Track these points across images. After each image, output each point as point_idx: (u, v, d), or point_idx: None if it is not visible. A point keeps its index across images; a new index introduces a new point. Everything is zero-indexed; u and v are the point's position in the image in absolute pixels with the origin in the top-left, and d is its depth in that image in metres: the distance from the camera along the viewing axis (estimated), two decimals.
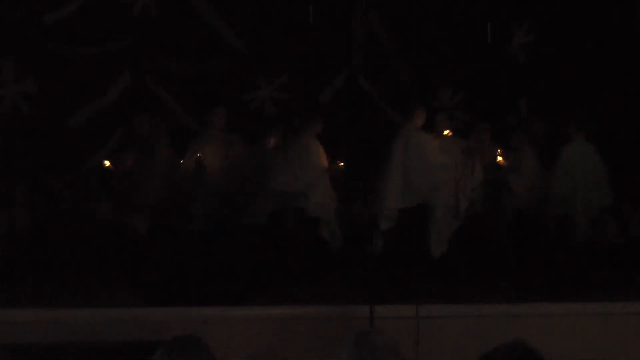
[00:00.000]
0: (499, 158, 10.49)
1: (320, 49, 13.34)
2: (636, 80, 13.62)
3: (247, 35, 13.33)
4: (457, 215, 9.84)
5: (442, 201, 9.77)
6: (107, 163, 9.69)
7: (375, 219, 10.13)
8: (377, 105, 13.77)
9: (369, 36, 13.87)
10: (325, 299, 8.90)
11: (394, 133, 10.49)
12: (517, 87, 13.38)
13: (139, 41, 13.03)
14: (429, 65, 13.64)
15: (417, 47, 13.66)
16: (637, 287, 10.75)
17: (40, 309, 8.29)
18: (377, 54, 13.84)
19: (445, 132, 10.19)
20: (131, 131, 11.94)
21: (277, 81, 13.53)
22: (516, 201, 10.46)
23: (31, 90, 12.84)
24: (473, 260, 9.96)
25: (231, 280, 9.14)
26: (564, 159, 10.57)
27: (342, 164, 10.27)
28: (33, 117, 12.89)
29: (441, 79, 13.85)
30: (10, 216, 11.89)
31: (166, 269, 9.24)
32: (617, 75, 13.55)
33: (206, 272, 9.22)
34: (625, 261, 11.79)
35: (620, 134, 13.42)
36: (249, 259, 9.53)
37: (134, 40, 13.02)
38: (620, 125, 13.46)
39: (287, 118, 11.31)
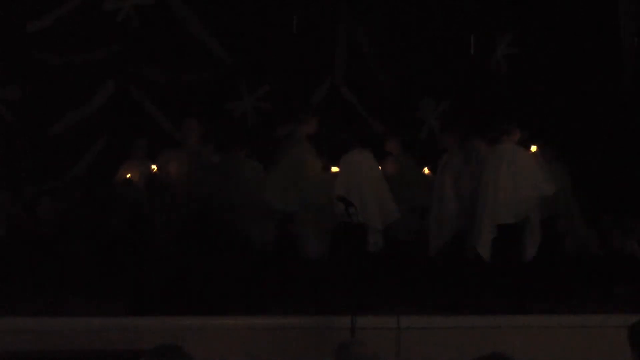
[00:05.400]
0: None
1: (303, 59, 13.37)
2: (617, 91, 13.72)
3: (230, 44, 13.35)
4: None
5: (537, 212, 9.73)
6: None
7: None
8: (360, 114, 13.82)
9: (352, 46, 13.91)
10: (306, 309, 8.89)
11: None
12: (500, 98, 13.45)
13: (122, 50, 13.04)
14: (412, 76, 13.69)
15: (400, 57, 13.70)
16: (618, 300, 10.80)
17: (21, 318, 8.24)
18: (361, 64, 13.89)
19: (533, 148, 10.13)
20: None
21: (260, 90, 13.56)
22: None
23: (14, 98, 12.82)
24: (456, 271, 9.98)
25: (213, 290, 9.12)
26: None
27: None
28: (15, 125, 12.86)
29: (424, 89, 13.90)
30: None
31: (147, 277, 9.21)
32: (599, 87, 13.64)
33: (188, 281, 9.19)
34: (606, 273, 11.85)
35: (601, 147, 13.51)
36: (231, 269, 9.51)
37: (117, 49, 13.03)
38: (601, 138, 13.55)
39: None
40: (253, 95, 13.62)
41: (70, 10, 12.82)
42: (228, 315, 8.55)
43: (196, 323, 8.17)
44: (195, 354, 3.79)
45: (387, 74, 13.86)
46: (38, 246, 11.62)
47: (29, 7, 12.81)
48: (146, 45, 13.10)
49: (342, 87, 13.90)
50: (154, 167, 9.22)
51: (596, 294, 11.02)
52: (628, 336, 4.77)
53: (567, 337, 8.69)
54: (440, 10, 13.66)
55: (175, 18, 13.17)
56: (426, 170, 11.46)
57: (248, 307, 8.92)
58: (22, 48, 12.73)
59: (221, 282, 9.19)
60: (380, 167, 10.24)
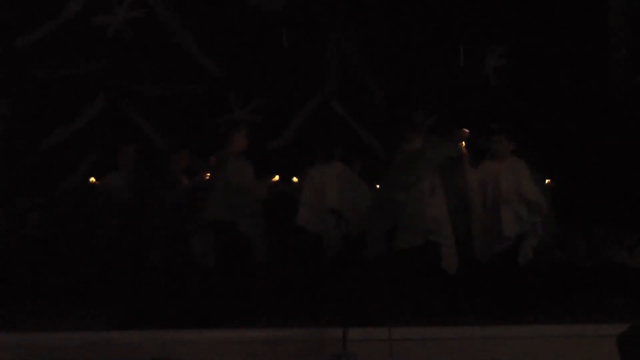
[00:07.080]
0: None
1: (294, 72, 13.39)
2: (607, 102, 13.78)
3: (221, 58, 13.37)
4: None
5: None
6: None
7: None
8: (351, 127, 13.83)
9: (342, 59, 13.94)
10: (298, 321, 8.89)
11: None
12: (490, 110, 13.46)
13: (113, 64, 13.05)
14: (403, 88, 13.71)
15: (390, 70, 13.73)
16: (609, 309, 10.82)
17: (12, 333, 8.21)
18: (351, 77, 13.91)
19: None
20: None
21: (251, 104, 13.56)
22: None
23: (4, 112, 12.81)
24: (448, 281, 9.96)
25: (206, 303, 9.12)
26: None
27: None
28: (6, 139, 12.85)
29: (415, 101, 13.90)
30: None
31: (140, 291, 9.20)
32: (589, 97, 13.70)
33: (181, 295, 9.19)
34: (597, 283, 11.87)
35: (592, 156, 13.54)
36: (225, 282, 9.51)
37: (108, 63, 13.04)
38: (592, 148, 13.59)
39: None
40: (245, 108, 13.62)
41: (60, 24, 12.83)
42: (222, 328, 8.56)
43: (190, 336, 8.16)
44: None
45: (377, 86, 13.88)
46: (30, 260, 11.60)
47: (19, 21, 12.82)
48: (136, 58, 13.11)
49: (333, 99, 13.91)
50: (277, 177, 9.32)
51: (589, 304, 11.04)
52: (617, 345, 4.78)
53: (561, 346, 8.69)
54: (431, 23, 13.71)
55: (166, 31, 13.18)
56: None
57: (240, 320, 8.93)
58: (13, 62, 12.73)
59: (215, 295, 9.20)
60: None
